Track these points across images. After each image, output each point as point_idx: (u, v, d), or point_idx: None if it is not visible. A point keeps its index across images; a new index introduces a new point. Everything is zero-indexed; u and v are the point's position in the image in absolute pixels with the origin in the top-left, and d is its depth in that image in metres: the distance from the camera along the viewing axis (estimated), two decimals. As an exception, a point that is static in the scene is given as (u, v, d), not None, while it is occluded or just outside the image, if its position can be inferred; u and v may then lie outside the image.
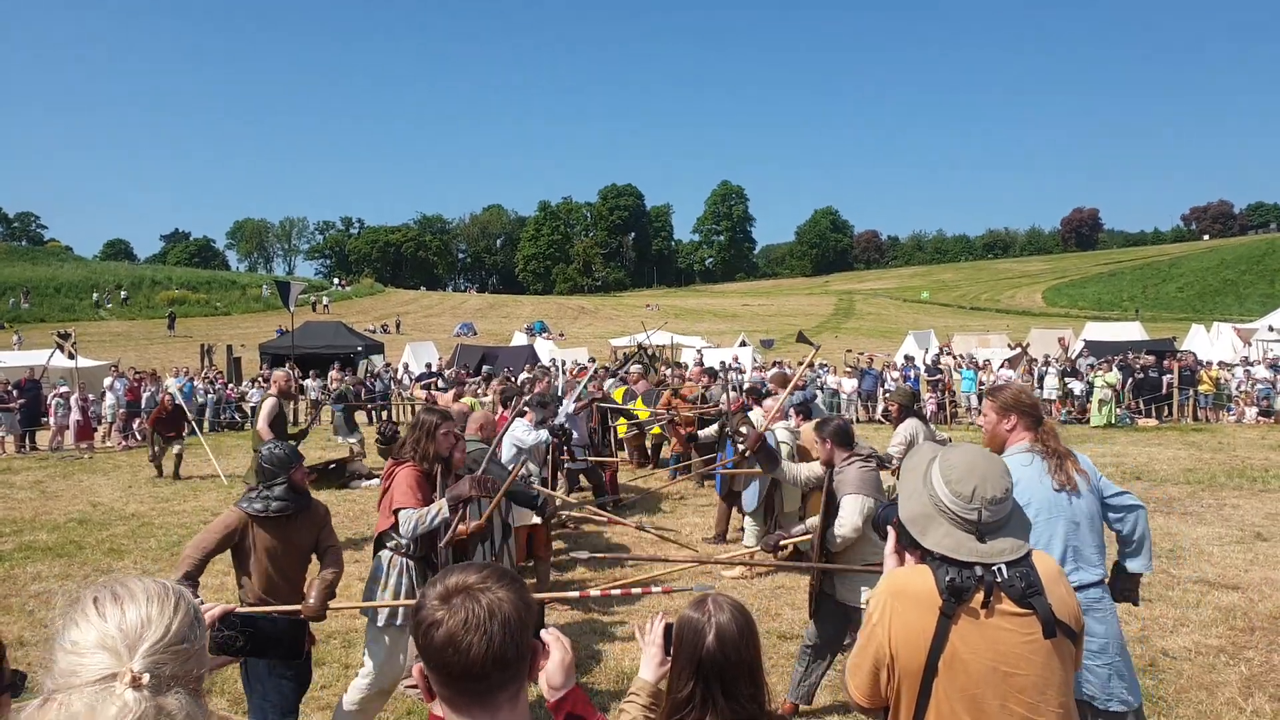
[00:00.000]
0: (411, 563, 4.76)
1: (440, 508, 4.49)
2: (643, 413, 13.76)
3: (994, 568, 2.18)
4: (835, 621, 5.07)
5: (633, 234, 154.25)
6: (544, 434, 6.96)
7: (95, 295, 67.41)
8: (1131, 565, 3.90)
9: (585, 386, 12.50)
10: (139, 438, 20.15)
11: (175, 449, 14.75)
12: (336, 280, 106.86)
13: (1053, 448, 3.63)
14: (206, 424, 23.69)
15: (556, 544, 8.82)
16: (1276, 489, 12.26)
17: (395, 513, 4.62)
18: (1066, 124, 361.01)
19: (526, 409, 7.80)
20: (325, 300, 71.95)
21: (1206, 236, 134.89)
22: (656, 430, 14.12)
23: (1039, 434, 3.70)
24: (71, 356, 21.16)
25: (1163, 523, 10.28)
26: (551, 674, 1.72)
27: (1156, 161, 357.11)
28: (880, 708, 2.30)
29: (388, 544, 4.75)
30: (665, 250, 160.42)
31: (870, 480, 4.88)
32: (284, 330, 40.40)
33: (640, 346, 26.47)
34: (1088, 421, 21.26)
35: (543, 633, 1.74)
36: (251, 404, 24.87)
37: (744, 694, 2.03)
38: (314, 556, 4.65)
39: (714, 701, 2.05)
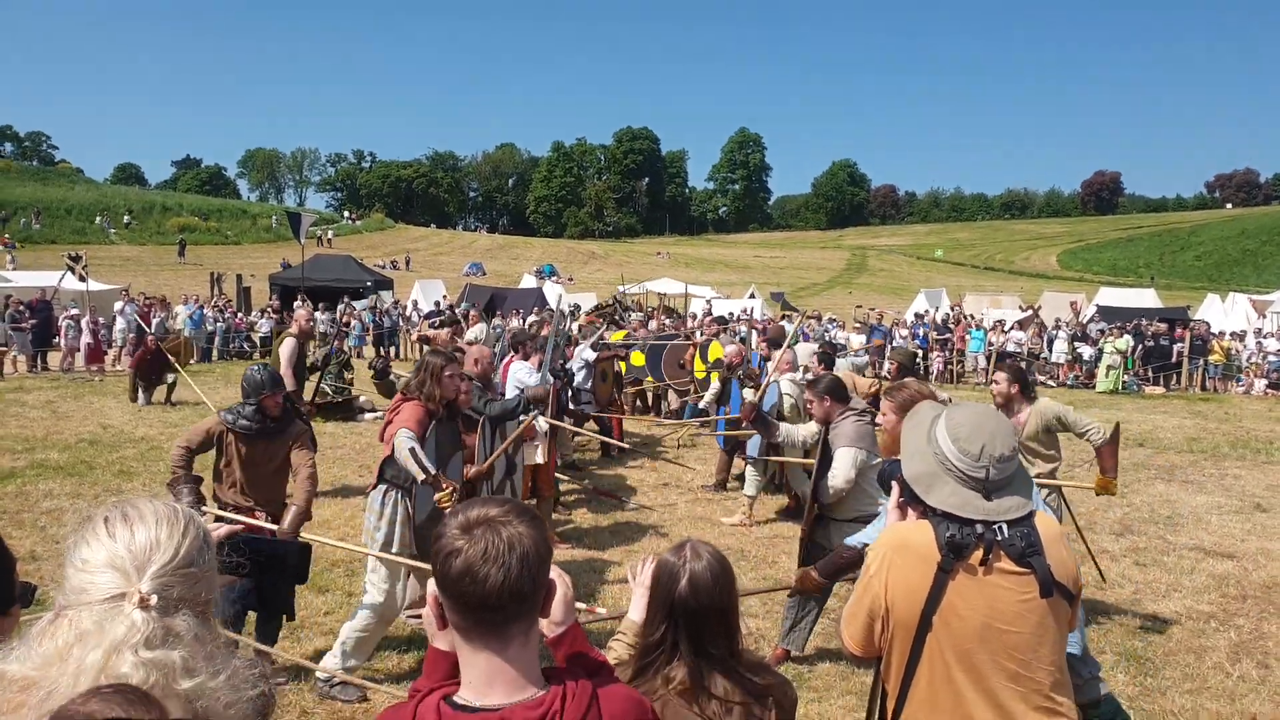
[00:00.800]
0: (406, 494, 4.85)
1: (426, 467, 4.55)
2: (637, 358, 13.86)
3: (995, 526, 2.20)
4: None
5: (646, 179, 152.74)
6: (548, 376, 6.97)
7: (98, 219, 67.07)
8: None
9: (601, 334, 12.51)
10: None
11: (169, 378, 14.80)
12: (347, 214, 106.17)
13: None
14: (215, 352, 23.85)
15: (563, 485, 8.92)
16: (1279, 461, 12.28)
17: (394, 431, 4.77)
18: (1092, 84, 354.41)
19: (531, 351, 7.84)
20: (330, 234, 71.22)
21: (1229, 205, 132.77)
22: (651, 381, 14.18)
23: None
24: (83, 279, 21.17)
25: (1163, 490, 10.33)
26: (555, 610, 1.75)
27: (1182, 127, 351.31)
28: (873, 657, 2.34)
29: (386, 473, 4.84)
30: (679, 197, 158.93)
31: (864, 433, 4.96)
32: (288, 264, 40.39)
33: (614, 299, 26.29)
34: (1095, 387, 21.25)
35: None
36: (261, 334, 25.01)
37: (714, 641, 2.04)
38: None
39: (683, 646, 2.06)
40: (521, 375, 7.47)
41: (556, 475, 8.15)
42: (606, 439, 11.30)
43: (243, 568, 1.73)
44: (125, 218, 69.67)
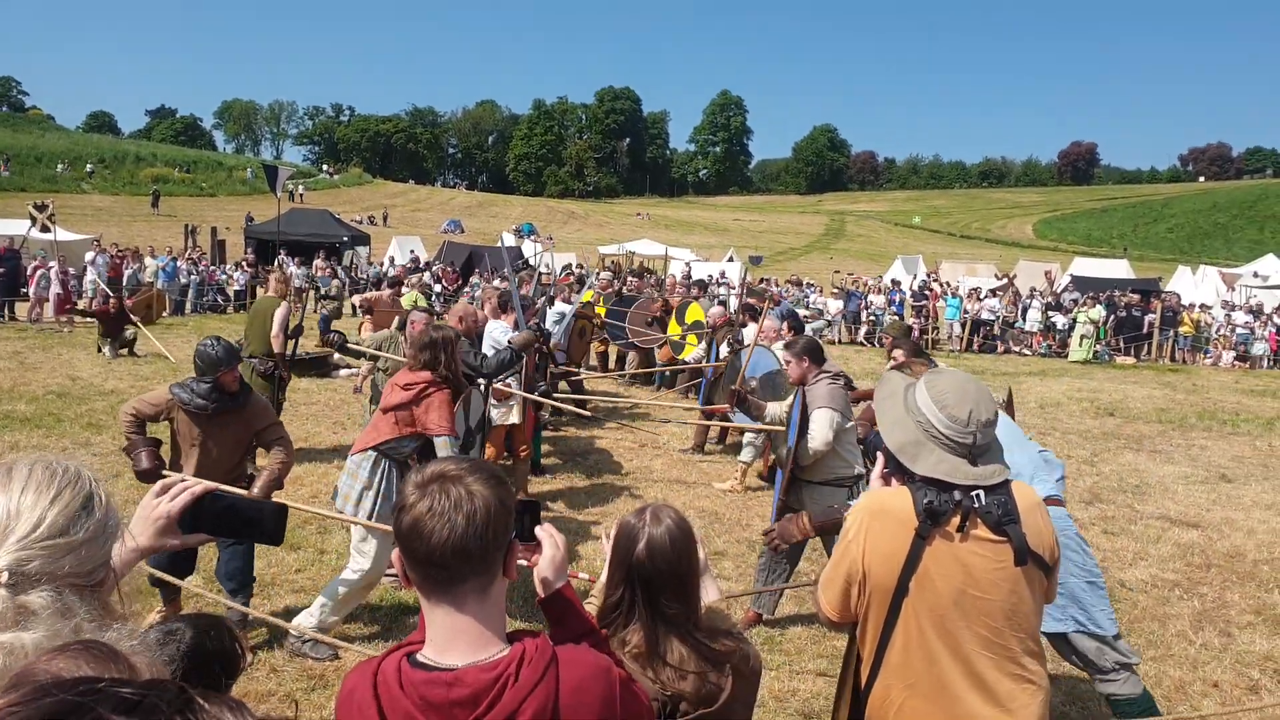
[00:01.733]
0: (400, 466, 4.81)
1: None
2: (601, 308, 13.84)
3: (973, 493, 2.20)
4: None
5: (628, 139, 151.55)
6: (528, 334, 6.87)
7: (59, 167, 65.43)
8: None
9: (580, 294, 12.43)
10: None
11: (130, 332, 14.73)
12: (325, 168, 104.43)
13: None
14: (189, 305, 23.50)
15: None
16: (1245, 432, 12.48)
17: (432, 439, 4.72)
18: (1071, 56, 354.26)
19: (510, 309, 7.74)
20: (300, 189, 69.04)
21: (1202, 179, 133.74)
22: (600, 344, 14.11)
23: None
24: (46, 229, 20.52)
25: (1131, 459, 10.47)
26: (543, 570, 1.73)
27: (1158, 100, 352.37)
28: (849, 622, 2.35)
29: (383, 447, 4.75)
30: (660, 159, 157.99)
31: (839, 396, 4.97)
32: (252, 218, 39.71)
33: (577, 267, 26.05)
34: (1067, 356, 21.46)
35: (537, 530, 1.74)
36: (235, 288, 24.67)
37: (671, 605, 2.04)
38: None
39: (640, 609, 2.06)
40: (498, 334, 7.41)
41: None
42: (573, 409, 10.84)
43: (217, 528, 1.70)
44: (88, 166, 68.02)
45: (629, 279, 18.82)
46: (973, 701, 2.17)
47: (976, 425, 2.25)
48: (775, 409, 5.90)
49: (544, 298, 10.94)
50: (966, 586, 2.17)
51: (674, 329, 12.96)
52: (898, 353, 5.21)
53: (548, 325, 10.03)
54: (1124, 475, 9.60)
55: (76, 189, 61.59)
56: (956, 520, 2.19)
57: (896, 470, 2.36)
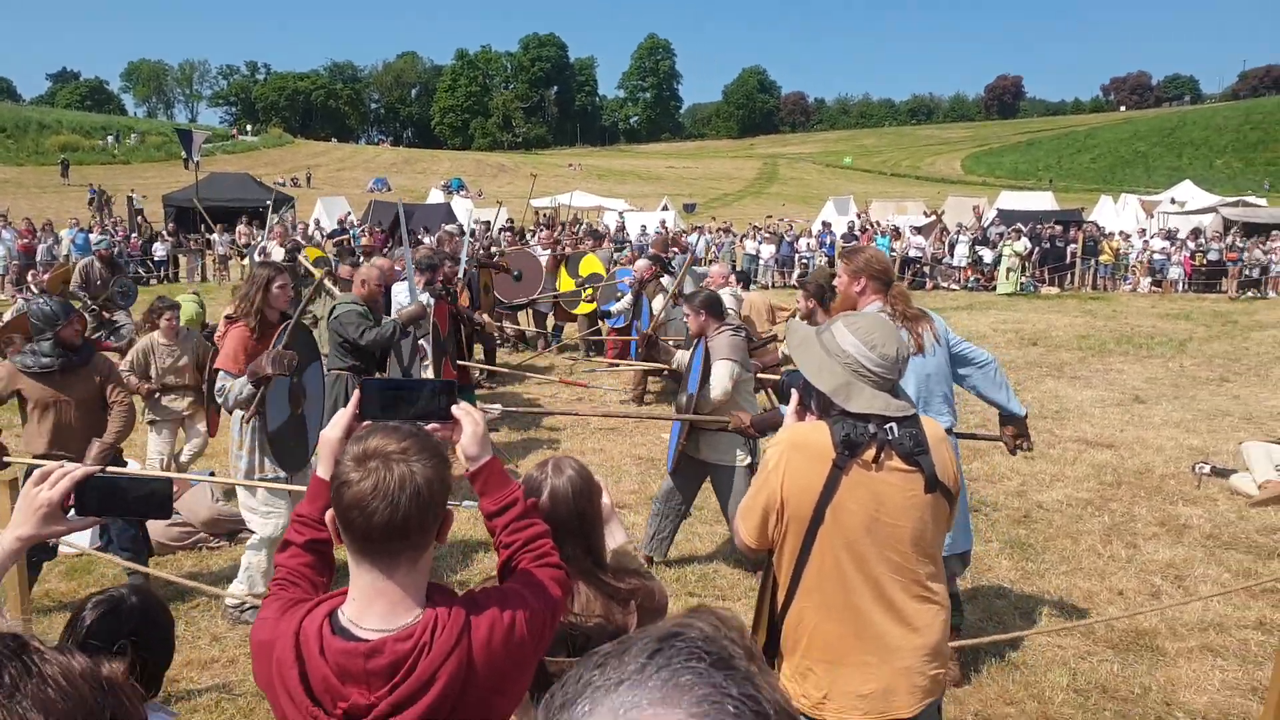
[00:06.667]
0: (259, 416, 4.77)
1: (244, 383, 4.49)
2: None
3: (887, 425, 2.34)
4: (692, 480, 5.40)
5: (555, 88, 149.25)
6: (426, 297, 6.66)
7: None
8: (1012, 408, 4.28)
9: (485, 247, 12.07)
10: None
11: None
12: (248, 129, 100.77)
13: (902, 310, 3.88)
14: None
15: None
16: (1159, 355, 13.03)
17: (214, 372, 4.70)
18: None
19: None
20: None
21: (1124, 108, 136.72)
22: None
23: (889, 297, 3.94)
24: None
25: (1052, 386, 10.89)
26: (466, 446, 1.77)
27: (1080, 30, 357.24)
28: (764, 549, 2.49)
29: (218, 398, 4.73)
30: (589, 107, 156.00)
31: (739, 346, 5.14)
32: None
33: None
34: (995, 289, 22.01)
35: (455, 409, 1.77)
36: (157, 257, 23.95)
37: (573, 551, 2.14)
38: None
39: None
40: (400, 297, 7.31)
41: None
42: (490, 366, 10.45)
43: (104, 509, 1.70)
44: None
45: (544, 232, 17.58)
46: (882, 621, 2.33)
47: (901, 361, 2.42)
48: (683, 355, 6.06)
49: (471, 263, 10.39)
50: (879, 514, 2.32)
51: (566, 282, 12.50)
52: (810, 301, 5.82)
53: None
54: (1045, 402, 9.99)
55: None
56: (872, 452, 2.32)
57: (823, 409, 2.48)
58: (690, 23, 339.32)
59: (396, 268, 7.86)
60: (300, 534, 1.76)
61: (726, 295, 8.42)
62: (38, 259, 20.56)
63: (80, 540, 5.22)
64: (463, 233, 12.77)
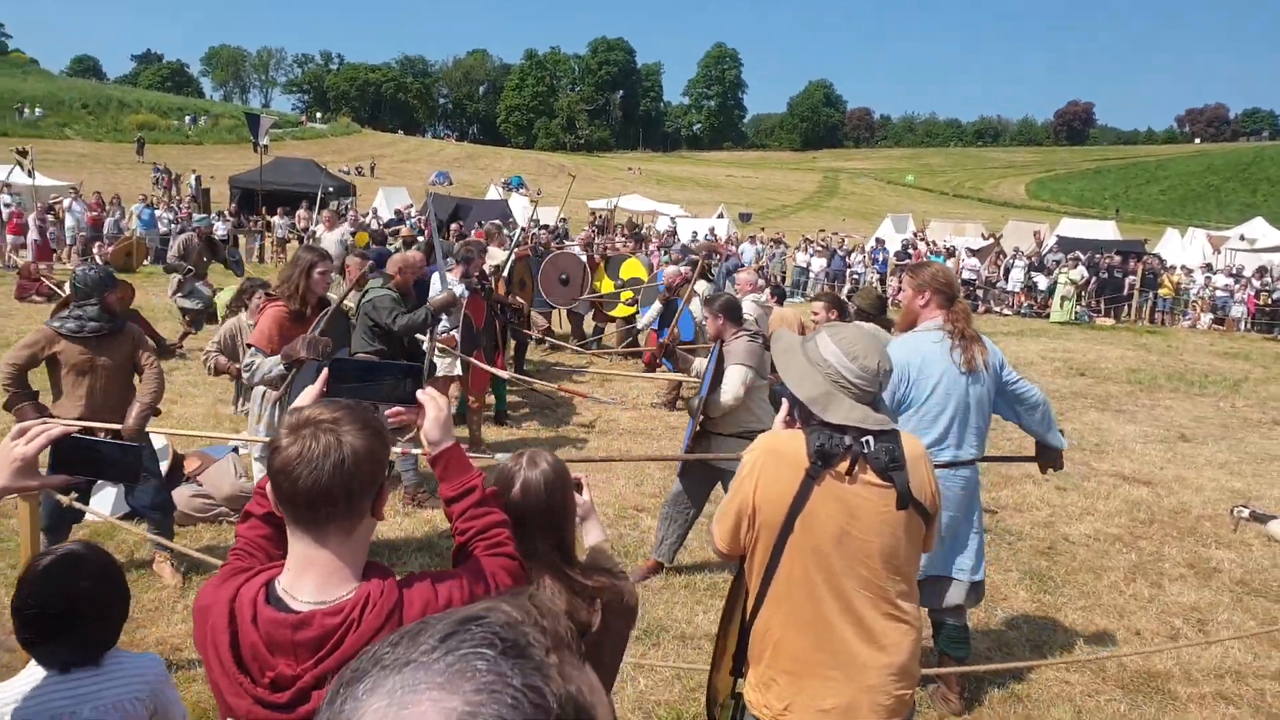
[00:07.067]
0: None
1: (276, 363, 4.61)
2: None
3: (863, 439, 2.31)
4: (701, 484, 5.37)
5: (620, 92, 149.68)
6: (461, 288, 6.72)
7: (36, 111, 63.56)
8: (1052, 441, 4.24)
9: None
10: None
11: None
12: (317, 116, 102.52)
13: (960, 329, 3.83)
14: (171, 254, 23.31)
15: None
16: (1211, 393, 12.65)
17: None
18: (1071, 14, 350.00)
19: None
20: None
21: (1198, 140, 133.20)
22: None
23: (950, 314, 3.88)
24: (30, 174, 20.53)
25: (1095, 418, 10.63)
26: (428, 431, 1.81)
27: (1156, 60, 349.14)
28: (737, 555, 2.47)
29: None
30: (653, 112, 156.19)
31: (754, 353, 5.10)
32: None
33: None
34: (1049, 316, 21.58)
35: (419, 394, 1.81)
36: (217, 236, 24.44)
37: (543, 545, 2.13)
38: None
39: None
40: (437, 286, 7.38)
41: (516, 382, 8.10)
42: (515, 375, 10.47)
43: (76, 469, 1.77)
44: (37, 110, 65.50)
45: (536, 232, 17.09)
46: (849, 637, 2.29)
47: (883, 375, 2.38)
48: (701, 364, 6.03)
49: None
50: (849, 528, 2.28)
51: (607, 285, 12.37)
52: (830, 313, 5.87)
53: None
54: (1085, 434, 9.76)
55: (60, 134, 60.73)
56: (846, 463, 2.28)
57: (802, 418, 2.46)
58: (758, 34, 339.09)
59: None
60: (261, 506, 1.79)
61: (748, 303, 8.40)
62: (104, 232, 21.17)
63: (102, 508, 5.35)
64: (510, 226, 12.79)
